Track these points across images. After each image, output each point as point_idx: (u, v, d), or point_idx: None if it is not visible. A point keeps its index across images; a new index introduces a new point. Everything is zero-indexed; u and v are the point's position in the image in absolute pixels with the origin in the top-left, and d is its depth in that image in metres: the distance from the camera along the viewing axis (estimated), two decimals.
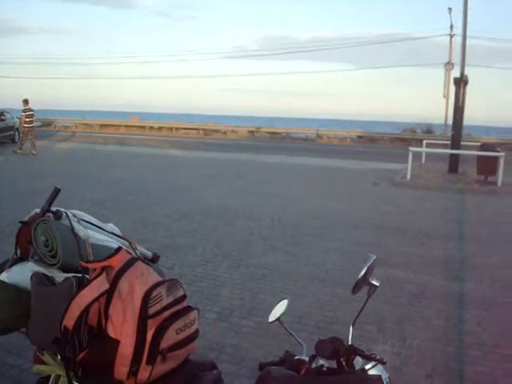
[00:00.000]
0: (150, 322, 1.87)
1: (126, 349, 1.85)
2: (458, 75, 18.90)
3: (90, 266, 1.99)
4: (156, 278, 1.99)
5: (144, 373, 1.86)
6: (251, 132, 41.45)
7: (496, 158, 15.69)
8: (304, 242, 8.27)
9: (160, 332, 1.87)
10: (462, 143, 18.81)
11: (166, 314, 1.93)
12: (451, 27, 36.84)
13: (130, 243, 2.50)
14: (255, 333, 4.77)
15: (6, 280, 2.26)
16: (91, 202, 10.57)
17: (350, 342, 1.78)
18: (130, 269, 1.93)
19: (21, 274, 2.25)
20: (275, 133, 41.43)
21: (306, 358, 1.86)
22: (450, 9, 34.84)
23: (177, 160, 20.99)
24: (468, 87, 18.56)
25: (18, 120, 23.77)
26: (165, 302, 1.92)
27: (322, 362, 1.72)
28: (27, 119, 21.00)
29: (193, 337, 2.01)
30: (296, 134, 41.55)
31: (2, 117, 24.16)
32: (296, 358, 1.91)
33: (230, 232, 8.73)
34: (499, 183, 15.25)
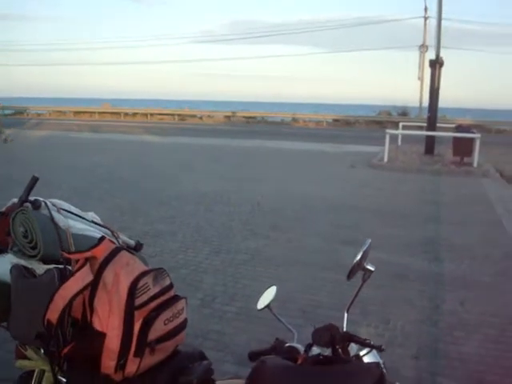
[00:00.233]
0: (136, 313, 1.81)
1: (113, 342, 1.79)
2: (432, 57, 18.97)
3: (72, 257, 1.91)
4: (142, 267, 1.92)
5: (132, 366, 1.80)
6: (227, 117, 41.27)
7: (472, 140, 15.81)
8: (284, 225, 8.24)
9: (147, 323, 1.81)
10: (437, 125, 18.93)
11: (154, 304, 1.86)
12: (425, 9, 36.96)
13: (111, 232, 2.42)
14: (238, 318, 4.74)
15: None
16: (67, 190, 10.39)
17: (345, 329, 1.74)
18: (115, 259, 1.86)
19: None
20: (251, 117, 41.31)
21: (298, 345, 1.82)
22: None
23: (153, 146, 20.78)
24: (443, 69, 18.64)
25: None
26: (152, 292, 1.86)
27: (316, 349, 1.68)
28: None
29: (181, 327, 1.95)
30: (272, 118, 41.45)
31: None
32: (287, 345, 1.86)
33: (210, 218, 8.66)
34: (475, 164, 15.38)
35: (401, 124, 23.62)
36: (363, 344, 1.65)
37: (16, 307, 2.05)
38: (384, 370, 1.48)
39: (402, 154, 17.96)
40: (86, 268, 1.82)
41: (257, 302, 2.13)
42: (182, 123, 37.98)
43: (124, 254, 1.91)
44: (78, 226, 2.31)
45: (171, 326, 1.89)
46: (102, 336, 1.81)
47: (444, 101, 20.27)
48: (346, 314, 1.84)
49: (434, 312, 5.04)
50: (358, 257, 1.82)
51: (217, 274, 5.94)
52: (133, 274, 1.84)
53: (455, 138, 16.54)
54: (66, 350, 1.84)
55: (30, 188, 2.28)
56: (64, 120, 37.69)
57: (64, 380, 1.95)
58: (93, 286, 1.82)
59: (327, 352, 1.64)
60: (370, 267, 1.87)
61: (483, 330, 4.66)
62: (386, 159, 16.27)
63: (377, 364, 1.48)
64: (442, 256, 6.85)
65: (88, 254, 1.85)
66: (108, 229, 2.45)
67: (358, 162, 16.25)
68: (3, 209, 2.34)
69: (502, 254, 6.93)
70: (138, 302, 1.81)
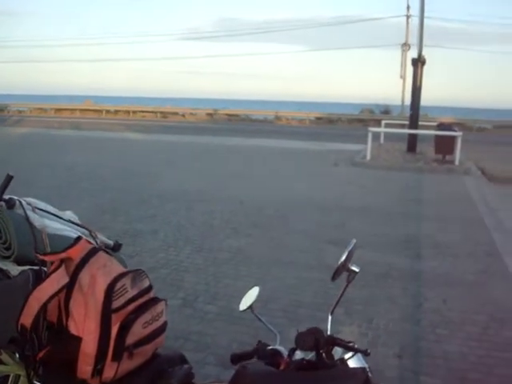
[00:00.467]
0: (114, 316, 1.74)
1: (89, 346, 1.72)
2: (414, 56, 19.04)
3: (47, 258, 1.84)
4: (119, 268, 1.85)
5: (109, 371, 1.73)
6: (210, 114, 41.15)
7: (453, 138, 15.91)
8: (267, 224, 8.20)
9: (125, 327, 1.74)
10: (419, 123, 19.01)
11: (132, 307, 1.80)
12: (408, 8, 37.08)
13: (89, 232, 2.35)
14: (220, 318, 4.68)
15: None
16: (46, 189, 10.23)
17: (329, 332, 1.70)
18: (91, 260, 1.79)
19: None
20: (234, 115, 41.25)
21: (281, 348, 1.78)
22: None
23: (134, 144, 20.63)
24: (425, 68, 18.72)
25: None
26: (130, 295, 1.79)
27: (300, 354, 1.63)
28: None
29: (161, 330, 1.89)
30: (255, 116, 41.42)
31: None
32: (269, 348, 1.82)
33: (192, 216, 8.59)
34: (457, 162, 15.47)
35: (383, 122, 23.68)
36: (348, 348, 1.60)
37: None
38: (370, 375, 1.44)
39: (385, 152, 18.01)
40: (62, 270, 1.76)
41: (239, 303, 2.08)
42: (164, 121, 37.80)
43: (101, 255, 1.85)
44: (54, 226, 2.24)
45: (150, 329, 1.83)
46: (77, 340, 1.74)
47: (426, 99, 20.40)
48: (329, 317, 1.79)
49: (417, 310, 5.03)
50: (343, 258, 1.77)
51: (198, 273, 5.87)
52: (110, 275, 1.78)
53: (437, 136, 16.63)
54: (41, 355, 1.78)
55: (4, 187, 2.20)
56: (45, 117, 37.28)
57: None
58: (68, 289, 1.75)
59: (311, 356, 1.59)
60: (354, 268, 1.82)
61: (466, 327, 4.66)
62: (368, 157, 16.30)
63: (363, 369, 1.43)
64: (424, 254, 6.86)
65: (63, 255, 1.78)
66: (86, 228, 2.37)
67: (341, 160, 16.26)
68: None
69: (483, 252, 6.96)
70: (115, 304, 1.75)
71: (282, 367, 1.52)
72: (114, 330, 1.73)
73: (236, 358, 1.82)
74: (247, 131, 27.65)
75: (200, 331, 4.44)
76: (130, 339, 1.75)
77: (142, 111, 42.93)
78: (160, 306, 1.90)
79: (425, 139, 18.85)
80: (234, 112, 42.42)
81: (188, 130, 28.31)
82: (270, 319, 4.43)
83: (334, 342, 1.59)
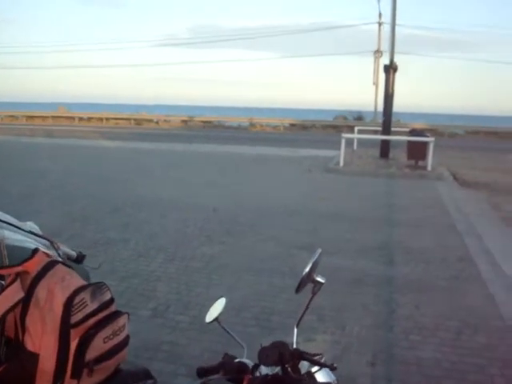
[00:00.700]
0: (72, 331, 1.67)
1: (47, 363, 1.65)
2: (386, 63, 19.22)
3: (1, 272, 1.76)
4: (79, 281, 1.78)
5: None
6: (184, 121, 41.04)
7: (425, 143, 16.06)
8: (240, 231, 8.14)
9: (85, 342, 1.67)
10: (392, 129, 19.18)
11: (92, 321, 1.73)
12: (380, 15, 37.49)
13: (51, 243, 2.27)
14: (192, 328, 4.61)
15: None
16: (16, 198, 10.06)
17: (294, 345, 1.65)
18: (49, 273, 1.72)
19: None
20: (208, 122, 41.20)
21: (248, 361, 1.72)
22: None
23: (107, 151, 20.41)
24: (397, 74, 18.90)
25: None
26: (89, 309, 1.73)
27: (266, 369, 1.58)
28: None
29: (123, 344, 1.82)
30: (229, 123, 41.40)
31: None
32: (236, 360, 1.76)
33: (165, 224, 8.49)
34: (429, 167, 15.60)
35: (356, 128, 23.83)
36: (314, 362, 1.55)
37: None
38: None
39: (358, 158, 18.10)
40: (17, 284, 1.68)
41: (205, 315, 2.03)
42: (138, 128, 37.55)
43: (60, 268, 1.78)
44: (13, 237, 2.15)
45: (111, 343, 1.76)
46: (35, 357, 1.67)
47: (398, 105, 20.58)
48: (295, 329, 1.74)
49: (390, 316, 5.02)
50: (307, 268, 1.73)
51: (170, 282, 5.79)
52: (69, 289, 1.71)
53: (409, 142, 16.78)
54: None
55: None
56: (16, 125, 36.74)
57: None
58: (24, 303, 1.68)
59: (277, 370, 1.54)
60: (319, 279, 1.78)
61: (439, 333, 4.66)
62: (342, 163, 16.35)
63: (330, 383, 1.39)
64: (397, 260, 6.87)
65: (18, 269, 1.71)
66: (47, 239, 2.29)
67: (315, 167, 16.29)
68: None
69: (456, 258, 6.99)
70: (74, 319, 1.68)
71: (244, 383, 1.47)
72: (73, 345, 1.66)
73: (202, 372, 1.76)
74: (222, 138, 27.60)
75: (172, 341, 4.36)
76: (90, 355, 1.68)
77: (116, 118, 42.63)
78: (122, 320, 1.83)
79: (397, 145, 19.01)
80: (208, 119, 42.36)
81: (162, 137, 28.14)
82: (242, 328, 4.41)
83: (299, 355, 1.54)
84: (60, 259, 2.12)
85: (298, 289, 1.74)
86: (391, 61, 18.76)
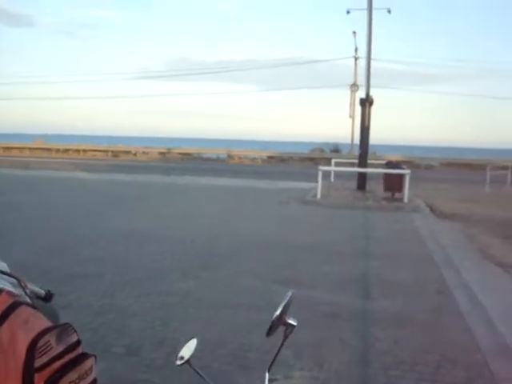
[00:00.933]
0: (37, 376, 1.59)
1: None
2: (362, 96, 19.50)
3: None
4: (44, 323, 1.70)
5: None
6: (162, 153, 41.03)
7: (402, 176, 16.21)
8: (217, 264, 8.05)
9: None
10: (368, 161, 19.35)
11: (57, 364, 1.64)
12: (356, 50, 38.17)
13: (18, 281, 2.18)
14: (167, 366, 4.48)
15: None
16: None
17: None
18: (12, 315, 1.64)
19: None
20: (186, 154, 41.24)
21: None
22: (354, 32, 36.15)
23: (83, 183, 20.26)
24: (372, 107, 19.17)
25: None
26: (54, 352, 1.64)
27: None
28: None
29: None
30: (207, 155, 41.52)
31: None
32: None
33: (141, 257, 8.37)
34: (405, 199, 15.72)
35: (333, 161, 24.03)
36: None
37: None
38: None
39: (335, 191, 18.18)
40: None
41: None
42: (116, 160, 37.41)
43: (23, 310, 1.69)
44: None
45: None
46: None
47: (374, 138, 20.82)
48: (266, 374, 1.67)
49: (369, 351, 4.95)
50: (278, 311, 1.67)
51: (146, 317, 5.66)
52: (32, 331, 1.62)
53: (386, 174, 16.94)
54: None
55: None
56: None
57: None
58: None
59: None
60: (292, 322, 1.72)
61: (418, 368, 4.61)
62: (319, 195, 16.41)
63: None
64: (374, 293, 6.83)
65: None
66: (15, 278, 2.21)
67: (292, 199, 16.31)
68: None
69: (434, 290, 6.98)
70: (38, 363, 1.59)
71: None
72: None
73: None
74: (199, 170, 27.59)
75: (146, 380, 4.24)
76: None
77: (93, 150, 42.52)
78: (89, 363, 1.75)
79: (374, 177, 19.16)
80: (186, 151, 42.41)
81: (140, 169, 28.06)
82: (218, 365, 4.31)
83: None
84: (27, 299, 2.04)
85: (269, 332, 1.67)
86: (367, 94, 19.04)
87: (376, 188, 18.16)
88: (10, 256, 2.26)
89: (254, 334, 5.19)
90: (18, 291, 2.03)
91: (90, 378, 1.74)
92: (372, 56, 19.71)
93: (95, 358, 1.79)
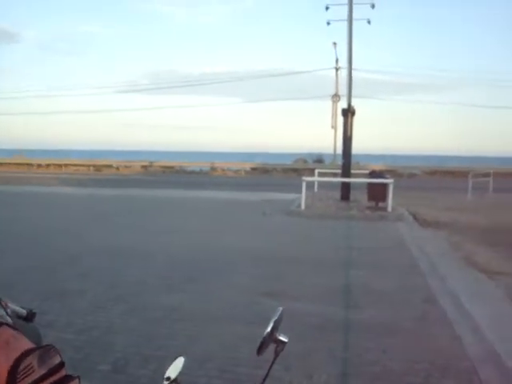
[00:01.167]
0: None
1: None
2: (344, 107, 19.60)
3: None
4: (25, 345, 1.64)
5: None
6: (144, 167, 40.86)
7: (385, 185, 16.26)
8: (202, 278, 7.97)
9: None
10: (351, 171, 19.41)
11: None
12: (337, 61, 38.43)
13: None
14: (155, 382, 4.40)
15: None
16: None
17: None
18: None
19: None
20: (169, 167, 41.09)
21: None
22: (334, 43, 36.36)
23: (64, 198, 20.08)
24: (354, 118, 19.26)
25: None
26: (37, 374, 1.58)
27: None
28: None
29: None
30: (190, 168, 41.42)
31: None
32: None
33: (124, 273, 8.26)
34: (389, 208, 15.77)
35: (316, 171, 24.10)
36: None
37: None
38: None
39: (319, 201, 18.20)
40: None
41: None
42: (98, 174, 37.18)
43: (4, 331, 1.63)
44: None
45: None
46: None
47: (357, 148, 20.90)
48: None
49: (357, 362, 4.91)
50: (269, 328, 1.62)
51: (131, 334, 5.57)
52: (14, 353, 1.56)
53: (369, 184, 17.00)
54: None
55: None
56: None
57: None
58: None
59: None
60: (282, 338, 1.67)
61: (407, 378, 4.58)
62: (303, 206, 16.40)
63: None
64: (361, 303, 6.79)
65: None
66: None
67: (276, 210, 16.29)
68: None
69: (420, 299, 6.97)
70: None
71: None
72: None
73: None
74: (182, 183, 27.50)
75: None
76: None
77: (75, 164, 42.22)
78: None
79: (357, 186, 19.20)
80: (170, 164, 42.28)
81: (122, 182, 27.89)
82: (206, 380, 4.23)
83: None
84: (8, 319, 1.98)
85: (260, 350, 1.62)
86: (349, 105, 19.14)
87: (360, 197, 18.21)
88: None
89: (242, 347, 5.13)
90: None
91: None
92: (353, 66, 19.85)
93: (79, 379, 1.73)
